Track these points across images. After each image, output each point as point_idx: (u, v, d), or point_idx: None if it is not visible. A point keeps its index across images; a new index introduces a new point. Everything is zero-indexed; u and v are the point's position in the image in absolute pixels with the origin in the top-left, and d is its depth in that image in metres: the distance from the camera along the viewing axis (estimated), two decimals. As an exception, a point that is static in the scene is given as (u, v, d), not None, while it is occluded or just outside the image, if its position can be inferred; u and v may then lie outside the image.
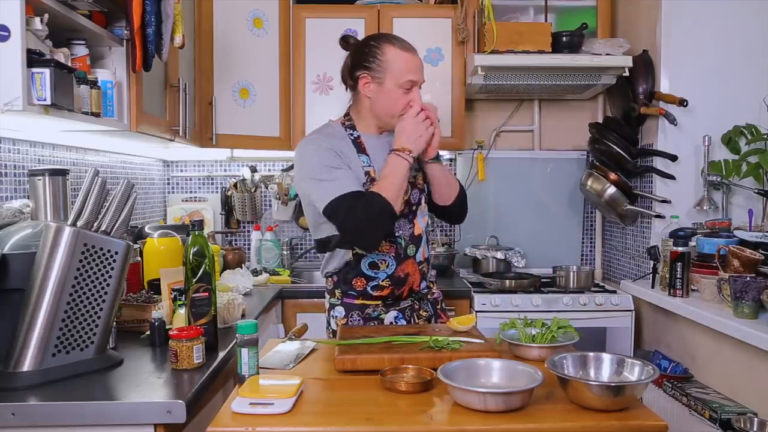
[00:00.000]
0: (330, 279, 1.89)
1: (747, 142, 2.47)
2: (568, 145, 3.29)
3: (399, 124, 1.74)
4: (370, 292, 1.83)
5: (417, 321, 1.89)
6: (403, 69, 1.74)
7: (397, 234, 1.81)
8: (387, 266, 1.81)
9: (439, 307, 1.98)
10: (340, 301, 1.87)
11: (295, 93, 2.98)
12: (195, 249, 1.51)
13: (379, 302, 1.85)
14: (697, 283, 2.25)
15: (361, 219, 1.65)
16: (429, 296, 1.95)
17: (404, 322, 1.85)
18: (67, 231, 1.37)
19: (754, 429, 1.72)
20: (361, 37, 2.94)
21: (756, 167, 2.41)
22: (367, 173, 1.77)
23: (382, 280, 1.81)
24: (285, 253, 3.18)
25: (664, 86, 2.63)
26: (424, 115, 1.74)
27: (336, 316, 1.87)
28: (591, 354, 1.32)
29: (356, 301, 1.85)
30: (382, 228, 1.69)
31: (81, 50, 1.74)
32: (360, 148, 1.80)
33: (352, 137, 1.82)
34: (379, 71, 1.76)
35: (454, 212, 1.97)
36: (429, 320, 1.91)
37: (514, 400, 1.16)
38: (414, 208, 1.84)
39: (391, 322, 1.84)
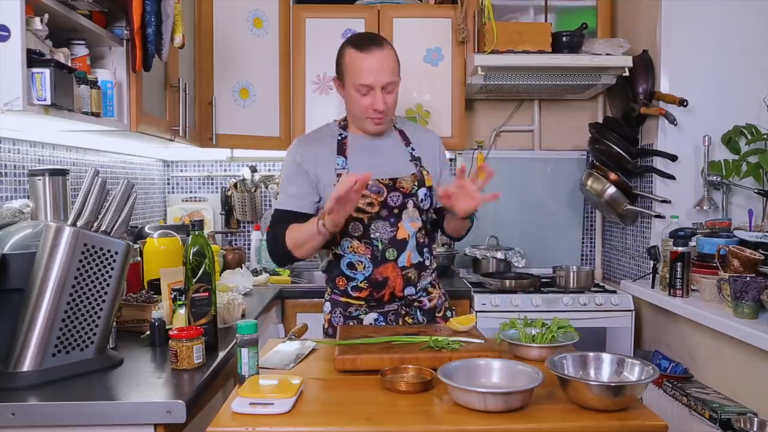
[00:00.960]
0: (325, 275, 1.95)
1: (747, 142, 2.47)
2: (568, 145, 3.29)
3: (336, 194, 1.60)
4: (350, 292, 1.84)
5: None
6: (356, 72, 1.74)
7: (373, 236, 1.78)
8: (364, 268, 1.80)
9: (440, 314, 1.92)
10: (329, 297, 1.92)
11: (295, 93, 2.98)
12: (195, 249, 1.51)
13: (362, 303, 1.85)
14: (697, 283, 2.25)
15: (269, 240, 1.80)
16: (417, 303, 1.87)
17: (384, 325, 1.84)
18: (67, 231, 1.37)
19: (754, 429, 1.72)
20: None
21: (756, 167, 2.41)
22: (338, 175, 1.77)
23: (360, 282, 1.81)
24: (285, 253, 3.18)
25: (664, 86, 2.63)
26: (353, 185, 1.53)
27: (324, 311, 1.92)
28: (591, 354, 1.32)
29: (341, 299, 1.87)
30: (278, 258, 1.81)
31: (81, 50, 1.74)
32: (341, 149, 1.83)
33: (340, 137, 1.86)
34: (342, 74, 1.81)
35: (457, 238, 1.99)
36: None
37: (514, 400, 1.16)
38: (396, 211, 1.79)
39: (371, 324, 1.84)
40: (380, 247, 1.78)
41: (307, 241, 1.72)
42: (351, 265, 1.81)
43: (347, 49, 1.79)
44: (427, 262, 1.89)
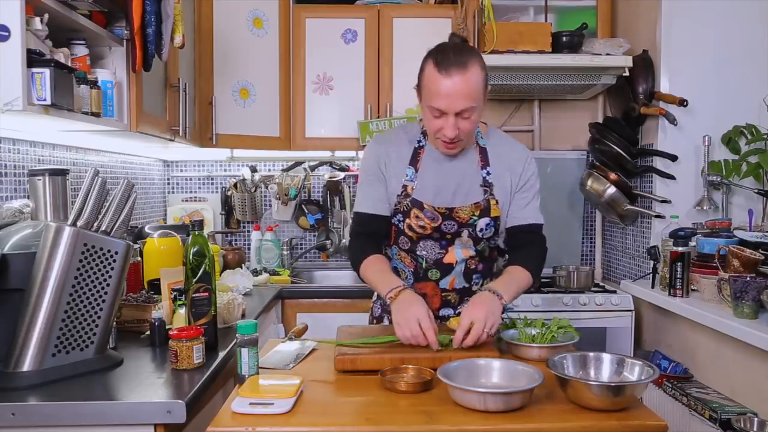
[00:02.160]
0: None
1: (747, 142, 2.47)
2: (568, 145, 3.29)
3: (405, 312, 1.51)
4: None
5: None
6: (430, 92, 1.59)
7: (419, 253, 1.73)
8: (405, 277, 1.76)
9: None
10: None
11: (295, 93, 2.98)
12: (195, 249, 1.51)
13: None
14: (697, 283, 2.25)
15: (350, 247, 1.80)
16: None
17: None
18: (67, 231, 1.37)
19: (754, 429, 1.72)
20: (360, 38, 2.96)
21: (756, 167, 2.41)
22: (404, 187, 1.71)
23: None
24: (285, 253, 3.18)
25: (664, 86, 2.62)
26: (413, 338, 1.48)
27: (372, 299, 1.92)
28: (591, 354, 1.32)
29: None
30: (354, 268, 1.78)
31: (81, 50, 1.75)
32: (414, 159, 1.74)
33: (417, 144, 1.76)
34: (420, 87, 1.66)
35: None
36: None
37: (514, 400, 1.16)
38: (449, 237, 1.72)
39: None
40: (423, 265, 1.74)
41: (370, 285, 1.71)
42: (396, 270, 1.78)
43: (428, 63, 1.61)
44: (475, 287, 1.79)
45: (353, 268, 1.76)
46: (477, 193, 1.72)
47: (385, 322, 1.85)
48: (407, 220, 1.71)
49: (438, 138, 1.65)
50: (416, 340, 1.47)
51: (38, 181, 1.76)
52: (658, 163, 2.65)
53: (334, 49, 2.96)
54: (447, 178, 1.72)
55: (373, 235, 1.76)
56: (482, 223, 1.71)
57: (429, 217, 1.69)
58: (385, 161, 1.74)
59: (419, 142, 1.76)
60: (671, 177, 2.62)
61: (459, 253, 1.73)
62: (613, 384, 1.20)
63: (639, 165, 2.75)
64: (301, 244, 3.35)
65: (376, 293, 1.87)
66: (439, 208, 1.69)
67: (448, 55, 1.59)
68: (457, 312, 1.77)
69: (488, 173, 1.73)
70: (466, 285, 1.77)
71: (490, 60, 2.67)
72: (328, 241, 3.28)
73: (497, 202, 1.72)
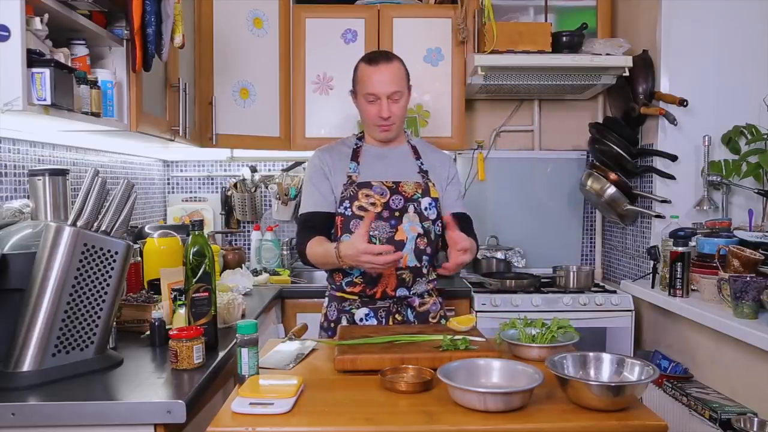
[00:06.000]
0: (327, 272, 2.03)
1: (747, 142, 2.47)
2: (568, 145, 3.29)
3: (360, 254, 1.65)
4: (344, 287, 1.92)
5: (390, 324, 1.89)
6: (364, 82, 1.91)
7: (372, 233, 1.84)
8: None
9: (435, 320, 1.95)
10: (328, 292, 2.00)
11: (295, 93, 2.98)
12: (195, 249, 1.51)
13: (356, 298, 1.91)
14: (697, 283, 2.25)
15: (296, 245, 1.96)
16: (408, 303, 1.92)
17: (375, 322, 1.89)
18: (67, 231, 1.37)
19: (754, 429, 1.72)
20: (360, 37, 2.96)
21: (756, 167, 2.41)
22: (349, 177, 1.93)
23: (356, 277, 1.89)
24: (285, 253, 3.18)
25: (664, 86, 2.63)
26: (378, 263, 1.66)
27: (323, 306, 2.00)
28: (591, 354, 1.32)
29: (336, 294, 1.95)
30: (304, 264, 1.95)
31: (81, 50, 1.74)
32: (355, 156, 1.98)
33: (355, 146, 2.01)
34: (355, 87, 1.97)
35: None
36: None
37: (514, 400, 1.16)
38: (397, 214, 1.88)
39: (361, 319, 1.89)
40: (377, 244, 1.82)
41: (326, 263, 1.85)
42: None
43: (360, 64, 1.95)
44: (425, 270, 1.93)
45: (302, 261, 1.93)
46: (416, 177, 1.96)
47: (343, 322, 1.91)
48: (356, 203, 1.88)
49: (375, 125, 1.92)
50: (385, 266, 1.68)
51: (38, 181, 1.76)
52: (658, 163, 2.65)
53: (334, 49, 2.95)
54: (387, 167, 1.95)
55: (315, 229, 1.90)
56: (425, 201, 1.92)
57: (378, 192, 1.89)
58: (328, 162, 1.96)
59: (356, 144, 2.02)
60: (671, 177, 2.62)
61: (408, 230, 1.89)
62: (613, 384, 1.20)
63: (639, 165, 2.75)
64: (301, 244, 3.34)
65: (327, 298, 2.00)
66: (386, 182, 1.91)
67: (374, 54, 1.98)
68: (412, 293, 1.91)
69: (422, 163, 2.00)
70: (418, 264, 1.89)
71: (490, 60, 2.68)
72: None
73: (434, 185, 1.96)
